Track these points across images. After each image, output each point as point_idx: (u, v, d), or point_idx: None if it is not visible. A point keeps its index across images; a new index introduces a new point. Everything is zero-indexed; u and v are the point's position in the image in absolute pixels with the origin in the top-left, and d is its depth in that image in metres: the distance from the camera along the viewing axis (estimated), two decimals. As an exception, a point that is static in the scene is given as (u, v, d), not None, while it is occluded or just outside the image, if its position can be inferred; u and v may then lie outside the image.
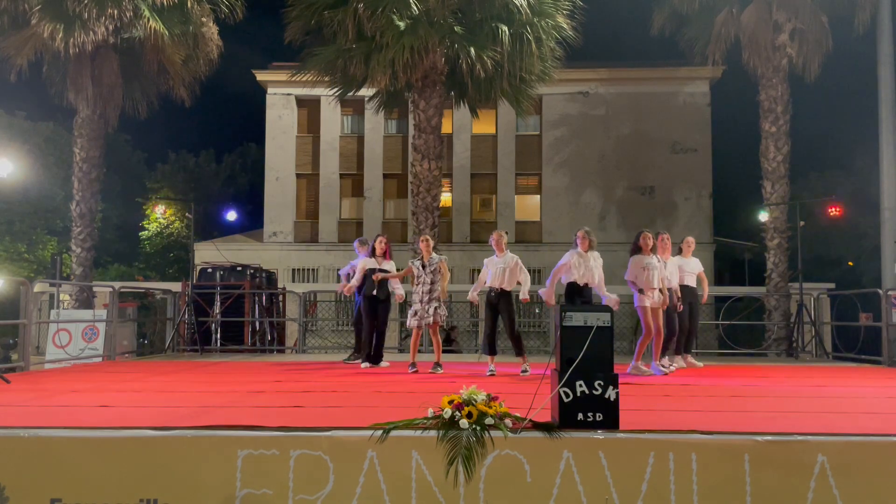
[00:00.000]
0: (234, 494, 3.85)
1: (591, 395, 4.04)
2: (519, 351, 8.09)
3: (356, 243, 9.63)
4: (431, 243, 8.56)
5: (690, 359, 9.10)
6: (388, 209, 27.28)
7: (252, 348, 12.83)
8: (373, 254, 8.76)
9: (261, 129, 27.75)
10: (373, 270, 8.57)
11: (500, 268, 8.01)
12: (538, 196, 26.97)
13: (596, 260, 7.94)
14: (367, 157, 27.09)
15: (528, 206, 27.04)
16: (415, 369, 8.23)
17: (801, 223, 11.94)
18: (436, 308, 8.18)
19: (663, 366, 8.06)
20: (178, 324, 12.38)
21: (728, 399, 5.83)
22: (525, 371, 7.88)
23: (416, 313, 8.26)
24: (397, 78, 13.52)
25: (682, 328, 8.92)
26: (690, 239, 9.23)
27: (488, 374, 7.95)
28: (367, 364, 8.79)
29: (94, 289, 15.13)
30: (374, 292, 8.58)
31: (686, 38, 15.04)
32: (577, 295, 7.86)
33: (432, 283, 8.23)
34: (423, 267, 8.32)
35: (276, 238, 27.26)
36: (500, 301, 8.03)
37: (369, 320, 8.75)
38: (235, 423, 4.16)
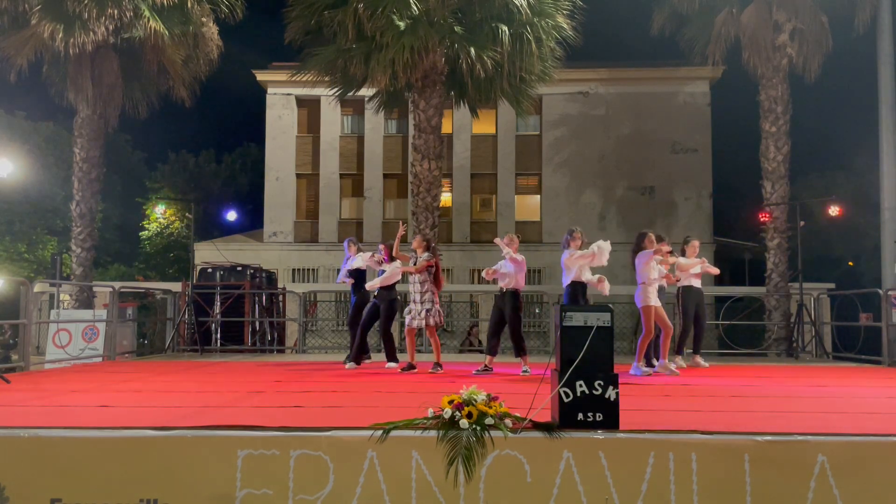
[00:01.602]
0: (234, 494, 3.85)
1: (591, 395, 4.04)
2: (518, 352, 8.08)
3: (347, 242, 9.42)
4: (422, 241, 8.46)
5: (698, 359, 9.08)
6: (388, 209, 27.27)
7: (252, 348, 12.82)
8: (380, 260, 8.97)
9: (261, 129, 27.76)
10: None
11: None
12: (538, 196, 26.97)
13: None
14: (367, 157, 27.08)
15: (528, 206, 27.04)
16: (412, 369, 8.23)
17: (801, 223, 11.94)
18: (427, 310, 8.13)
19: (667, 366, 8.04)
20: (178, 324, 12.38)
21: (728, 399, 5.83)
22: (526, 371, 7.88)
23: (410, 312, 8.27)
24: (397, 78, 13.51)
25: (686, 328, 8.94)
26: (695, 243, 9.18)
27: (474, 372, 8.01)
28: (351, 365, 8.79)
29: (94, 289, 15.12)
30: (375, 293, 8.80)
31: (686, 38, 15.03)
32: (582, 295, 7.85)
33: (421, 283, 8.21)
34: (414, 265, 8.34)
35: (276, 238, 27.25)
36: (503, 301, 8.05)
37: (366, 321, 8.89)
38: (235, 423, 4.16)
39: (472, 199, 27.06)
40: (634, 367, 7.88)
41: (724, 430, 4.06)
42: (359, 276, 9.13)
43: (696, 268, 8.95)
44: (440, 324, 8.26)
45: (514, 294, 8.02)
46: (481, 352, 13.73)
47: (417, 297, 8.20)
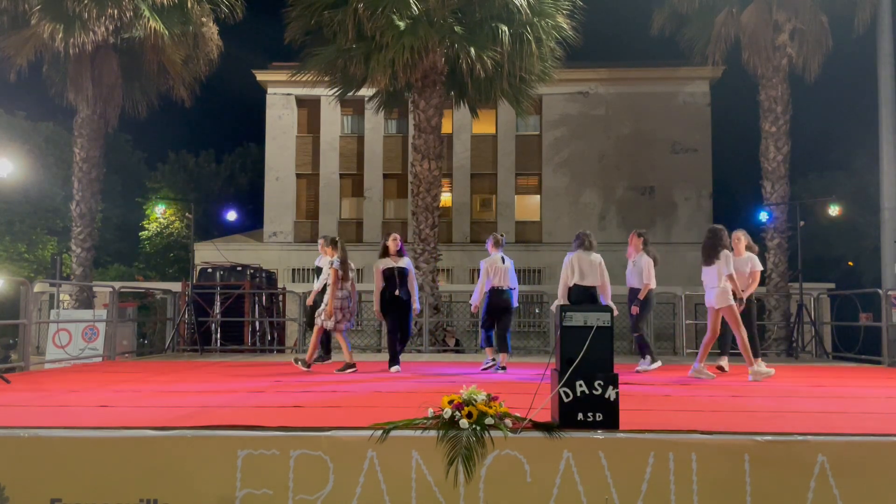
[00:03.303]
0: (234, 494, 3.85)
1: (591, 395, 4.04)
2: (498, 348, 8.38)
3: (321, 241, 9.23)
4: (332, 248, 8.50)
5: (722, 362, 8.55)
6: (388, 209, 27.28)
7: (252, 348, 12.83)
8: (385, 253, 8.32)
9: (261, 129, 27.78)
10: (391, 270, 8.19)
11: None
12: (538, 196, 26.97)
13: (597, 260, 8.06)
14: (367, 157, 27.09)
15: (528, 206, 27.04)
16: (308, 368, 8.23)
17: (801, 223, 11.94)
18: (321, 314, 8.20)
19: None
20: (178, 324, 12.38)
21: (728, 399, 5.83)
22: (497, 368, 8.21)
23: (319, 314, 8.27)
24: (397, 78, 13.52)
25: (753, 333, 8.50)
26: (738, 234, 8.19)
27: (494, 369, 8.26)
28: (396, 368, 8.18)
29: (94, 289, 15.13)
30: (397, 292, 8.17)
31: (686, 38, 15.04)
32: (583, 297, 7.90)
33: (328, 286, 8.21)
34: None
35: (276, 238, 27.25)
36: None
37: (393, 322, 8.27)
38: (235, 423, 4.16)
39: (472, 199, 27.07)
40: (694, 368, 7.57)
41: (724, 430, 4.06)
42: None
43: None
44: (337, 328, 8.17)
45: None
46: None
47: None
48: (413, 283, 8.37)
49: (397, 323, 8.26)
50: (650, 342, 8.72)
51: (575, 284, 7.86)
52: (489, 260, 8.33)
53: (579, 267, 7.87)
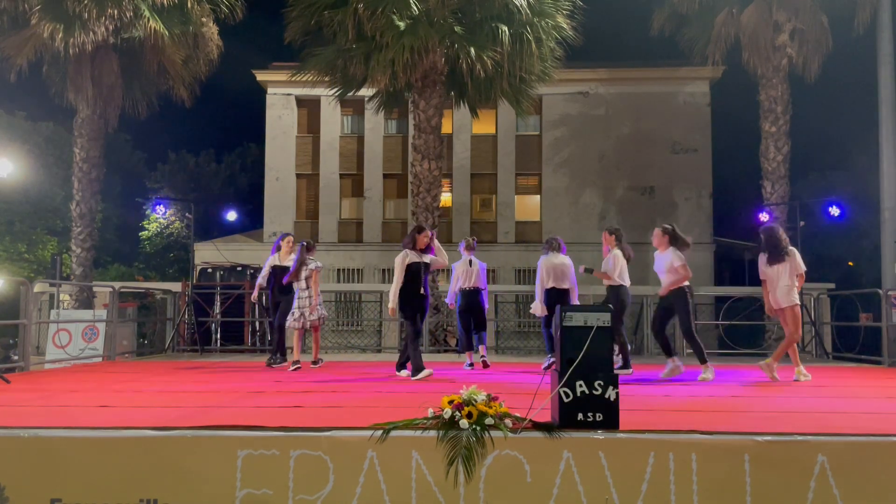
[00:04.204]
0: (234, 495, 3.85)
1: (591, 395, 4.04)
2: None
3: (280, 239, 9.33)
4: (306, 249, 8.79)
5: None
6: (388, 209, 27.27)
7: (252, 348, 12.82)
8: (413, 245, 7.45)
9: (261, 129, 27.74)
10: (417, 265, 7.37)
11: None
12: (538, 196, 26.96)
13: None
14: (367, 157, 27.08)
15: (528, 206, 27.03)
16: (297, 366, 8.60)
17: (801, 223, 11.95)
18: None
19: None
20: (178, 324, 12.38)
21: (728, 399, 5.83)
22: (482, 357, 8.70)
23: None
24: (397, 78, 13.52)
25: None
26: (658, 230, 7.79)
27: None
28: (407, 373, 7.58)
29: (94, 289, 15.13)
30: (422, 290, 7.41)
31: (686, 38, 15.06)
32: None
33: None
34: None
35: (275, 238, 27.26)
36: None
37: (415, 322, 7.47)
38: (235, 423, 4.16)
39: (472, 199, 27.05)
40: (800, 372, 7.42)
41: (724, 430, 4.06)
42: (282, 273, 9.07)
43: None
44: (294, 327, 8.80)
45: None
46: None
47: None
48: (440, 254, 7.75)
49: (418, 324, 7.50)
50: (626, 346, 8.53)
51: (552, 287, 8.28)
52: (459, 262, 8.75)
53: (552, 271, 8.30)
